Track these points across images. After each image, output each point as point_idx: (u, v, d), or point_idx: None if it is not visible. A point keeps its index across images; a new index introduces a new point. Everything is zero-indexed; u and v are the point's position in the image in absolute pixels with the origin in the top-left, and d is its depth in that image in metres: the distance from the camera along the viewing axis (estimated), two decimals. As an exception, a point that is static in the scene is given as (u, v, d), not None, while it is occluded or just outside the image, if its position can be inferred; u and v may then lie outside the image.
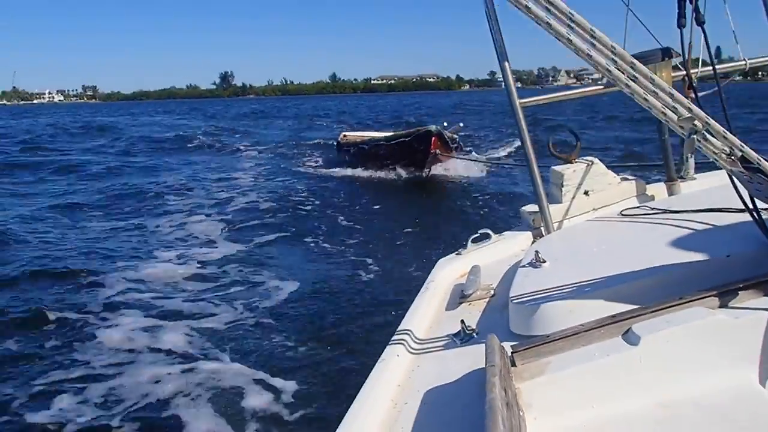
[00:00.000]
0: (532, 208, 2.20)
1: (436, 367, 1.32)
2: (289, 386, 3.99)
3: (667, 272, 1.35)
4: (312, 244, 7.74)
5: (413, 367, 1.35)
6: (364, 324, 4.91)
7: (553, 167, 2.26)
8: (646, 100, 1.02)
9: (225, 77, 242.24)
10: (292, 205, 10.29)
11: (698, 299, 1.17)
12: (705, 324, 1.10)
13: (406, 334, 1.48)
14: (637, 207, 1.94)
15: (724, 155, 1.11)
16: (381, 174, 13.43)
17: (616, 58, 0.92)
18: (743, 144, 1.08)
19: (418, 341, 1.46)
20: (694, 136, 1.05)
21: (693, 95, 1.77)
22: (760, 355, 1.10)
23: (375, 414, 1.15)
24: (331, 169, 14.90)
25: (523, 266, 1.63)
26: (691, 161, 2.07)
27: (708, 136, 1.06)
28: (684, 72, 1.92)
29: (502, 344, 1.15)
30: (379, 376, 1.27)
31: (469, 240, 2.08)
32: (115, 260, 6.88)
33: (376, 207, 10.22)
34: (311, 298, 5.64)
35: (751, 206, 1.30)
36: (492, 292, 1.73)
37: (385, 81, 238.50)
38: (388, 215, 9.55)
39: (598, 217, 2.11)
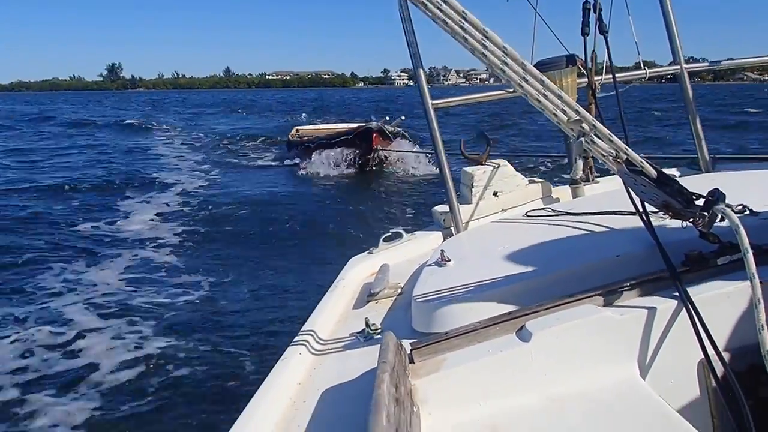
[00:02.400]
0: (443, 208, 2.32)
1: (338, 366, 1.39)
2: (184, 385, 4.00)
3: (562, 272, 1.48)
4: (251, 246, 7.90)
5: (316, 365, 1.41)
6: (271, 324, 4.99)
7: (463, 168, 2.39)
8: (538, 101, 1.13)
9: (113, 69, 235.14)
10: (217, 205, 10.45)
11: (588, 297, 1.30)
12: (592, 321, 1.23)
13: (310, 333, 1.54)
14: (542, 209, 2.09)
15: (611, 158, 1.24)
16: (327, 170, 14.17)
17: (507, 59, 1.02)
18: (627, 147, 1.22)
19: (321, 340, 1.53)
20: (582, 139, 1.17)
21: (594, 100, 1.95)
22: (641, 350, 1.24)
23: (272, 412, 1.20)
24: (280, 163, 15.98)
25: (429, 265, 1.73)
26: (580, 162, 2.25)
27: (595, 138, 1.19)
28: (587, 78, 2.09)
29: (401, 341, 1.22)
30: (279, 375, 1.32)
31: (381, 239, 2.16)
32: None
33: (319, 203, 10.63)
34: (219, 298, 5.73)
35: (640, 208, 1.44)
36: (399, 290, 1.83)
37: (280, 77, 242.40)
38: (328, 212, 9.87)
39: (504, 219, 2.26)
